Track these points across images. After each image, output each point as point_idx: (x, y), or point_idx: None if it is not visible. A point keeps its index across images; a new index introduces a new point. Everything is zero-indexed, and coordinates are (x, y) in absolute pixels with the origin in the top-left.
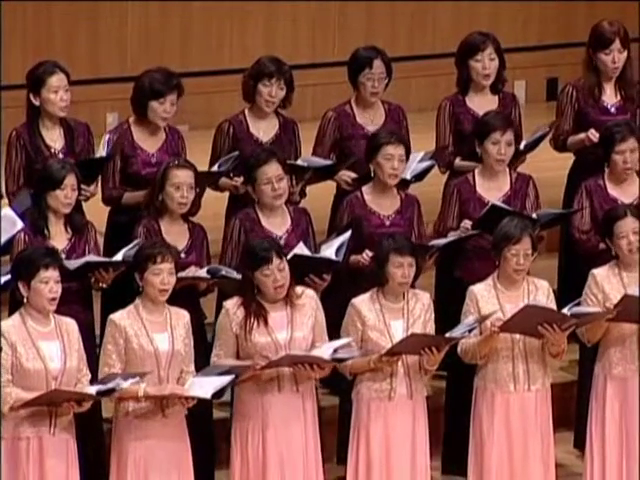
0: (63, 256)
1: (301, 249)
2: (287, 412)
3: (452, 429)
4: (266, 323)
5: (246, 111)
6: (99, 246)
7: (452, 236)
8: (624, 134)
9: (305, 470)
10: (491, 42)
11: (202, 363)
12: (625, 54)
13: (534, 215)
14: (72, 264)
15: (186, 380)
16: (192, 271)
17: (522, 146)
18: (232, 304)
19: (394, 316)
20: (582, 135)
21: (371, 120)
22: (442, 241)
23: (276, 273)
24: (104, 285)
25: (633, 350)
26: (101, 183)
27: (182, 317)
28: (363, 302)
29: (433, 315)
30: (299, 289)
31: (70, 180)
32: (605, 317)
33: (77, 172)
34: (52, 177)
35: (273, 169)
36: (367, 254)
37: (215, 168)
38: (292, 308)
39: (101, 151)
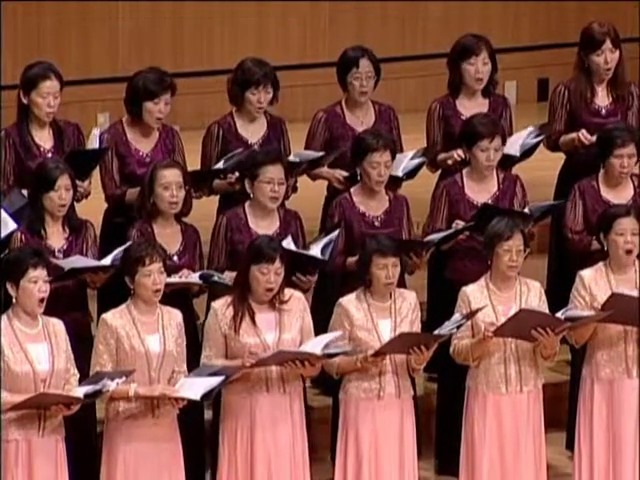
0: (60, 256)
1: (287, 243)
2: (275, 413)
3: (444, 430)
4: (254, 322)
5: (234, 112)
6: (97, 245)
7: (446, 231)
8: (625, 139)
9: (292, 470)
10: (485, 46)
11: (195, 363)
12: (617, 54)
13: (526, 210)
14: (63, 263)
15: (177, 380)
16: (184, 274)
17: (518, 153)
18: (220, 304)
19: (382, 315)
20: (573, 135)
21: (361, 121)
22: (438, 235)
23: (272, 274)
24: (97, 285)
25: (620, 352)
26: (102, 183)
27: (175, 317)
28: (350, 302)
29: (419, 314)
30: (287, 291)
31: (63, 181)
32: (598, 319)
33: (71, 172)
34: (45, 178)
35: (277, 171)
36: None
37: (221, 165)
38: (280, 309)
39: (92, 144)
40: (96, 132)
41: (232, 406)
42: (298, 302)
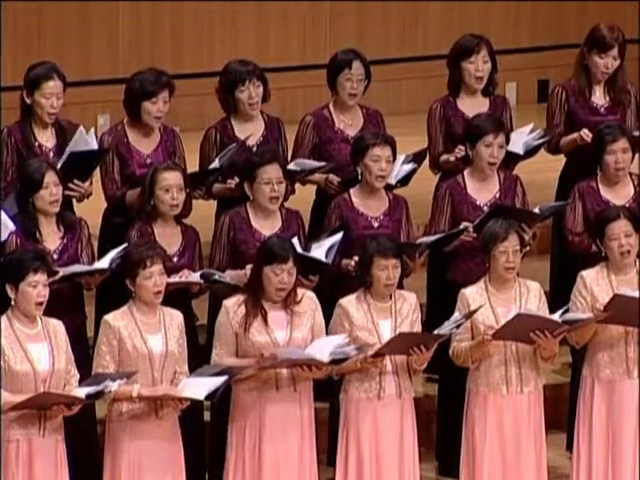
0: (55, 256)
1: (295, 245)
2: (284, 411)
3: (444, 431)
4: (265, 321)
5: (230, 116)
6: (92, 245)
7: (440, 234)
8: (615, 135)
9: (300, 470)
10: (485, 45)
11: (194, 364)
12: (618, 62)
13: (536, 209)
14: (62, 271)
15: (180, 381)
16: (185, 274)
17: (522, 152)
18: (232, 303)
19: (382, 316)
20: (575, 135)
21: (349, 124)
22: (430, 238)
23: (285, 275)
24: (92, 287)
25: (620, 353)
26: (103, 184)
27: (176, 318)
28: (350, 302)
29: (420, 315)
30: (299, 292)
31: (50, 177)
32: (596, 321)
33: (56, 168)
34: (32, 179)
35: (275, 171)
36: (356, 260)
37: (217, 163)
38: (292, 308)
39: (87, 144)
40: (84, 132)
41: (242, 404)
42: (310, 301)
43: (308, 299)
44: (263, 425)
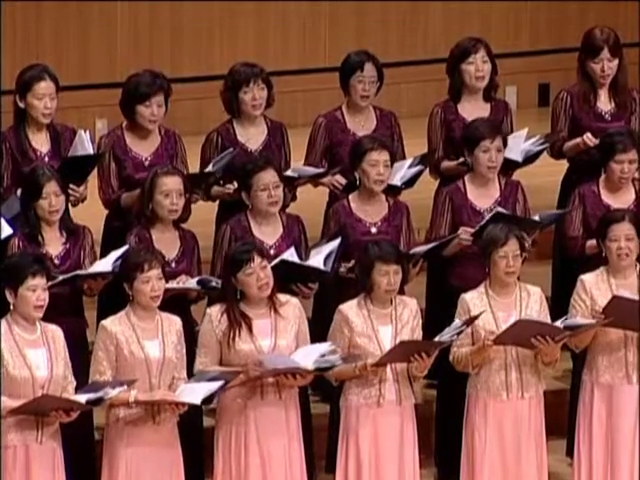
0: (57, 262)
1: (291, 255)
2: (270, 419)
3: (444, 437)
4: (250, 330)
5: (233, 119)
6: (95, 252)
7: (432, 242)
8: (626, 144)
9: (288, 473)
10: (482, 46)
11: (193, 370)
12: (615, 62)
13: (536, 217)
14: (62, 277)
15: (178, 387)
16: (183, 280)
17: (520, 159)
18: (216, 311)
19: (382, 322)
20: (578, 139)
21: (362, 125)
22: (423, 248)
23: (258, 271)
24: (95, 292)
25: (620, 357)
26: (99, 188)
27: (174, 323)
28: (350, 308)
29: (421, 321)
30: (283, 297)
31: (51, 187)
32: (598, 326)
33: (58, 178)
34: (34, 186)
35: (270, 176)
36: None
37: (211, 168)
38: (276, 315)
39: (82, 145)
40: (84, 135)
41: (227, 412)
42: (294, 308)
43: (292, 306)
44: (249, 430)
